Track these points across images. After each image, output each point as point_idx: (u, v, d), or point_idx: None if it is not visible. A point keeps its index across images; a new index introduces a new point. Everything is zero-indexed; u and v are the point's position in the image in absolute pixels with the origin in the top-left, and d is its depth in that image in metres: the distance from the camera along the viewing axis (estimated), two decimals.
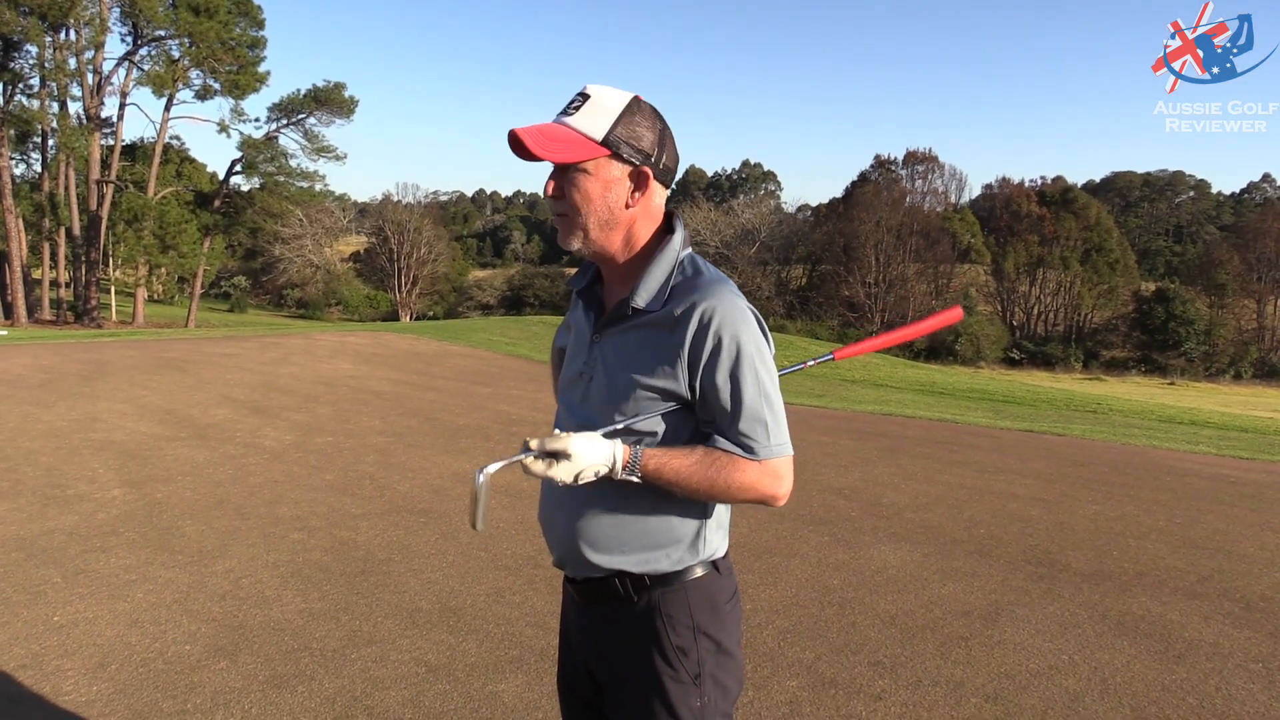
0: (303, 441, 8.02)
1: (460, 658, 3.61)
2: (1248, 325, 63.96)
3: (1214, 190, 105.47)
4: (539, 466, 1.55)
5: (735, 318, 1.58)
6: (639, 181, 1.64)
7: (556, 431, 1.58)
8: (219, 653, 3.61)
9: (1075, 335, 65.90)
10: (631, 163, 1.62)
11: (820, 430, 9.67)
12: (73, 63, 37.61)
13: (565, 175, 1.62)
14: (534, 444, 1.56)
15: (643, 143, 1.62)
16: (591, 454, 1.55)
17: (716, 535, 1.71)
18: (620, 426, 1.62)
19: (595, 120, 1.59)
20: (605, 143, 1.59)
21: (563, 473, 1.54)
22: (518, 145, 1.58)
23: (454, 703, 3.24)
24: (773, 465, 1.61)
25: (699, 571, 1.68)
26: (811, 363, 2.14)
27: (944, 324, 2.44)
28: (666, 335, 1.60)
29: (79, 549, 4.86)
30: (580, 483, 1.57)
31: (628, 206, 1.64)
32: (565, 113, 1.61)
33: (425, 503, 6.03)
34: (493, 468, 1.58)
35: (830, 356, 2.18)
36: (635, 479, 1.58)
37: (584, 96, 1.60)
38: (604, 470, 1.56)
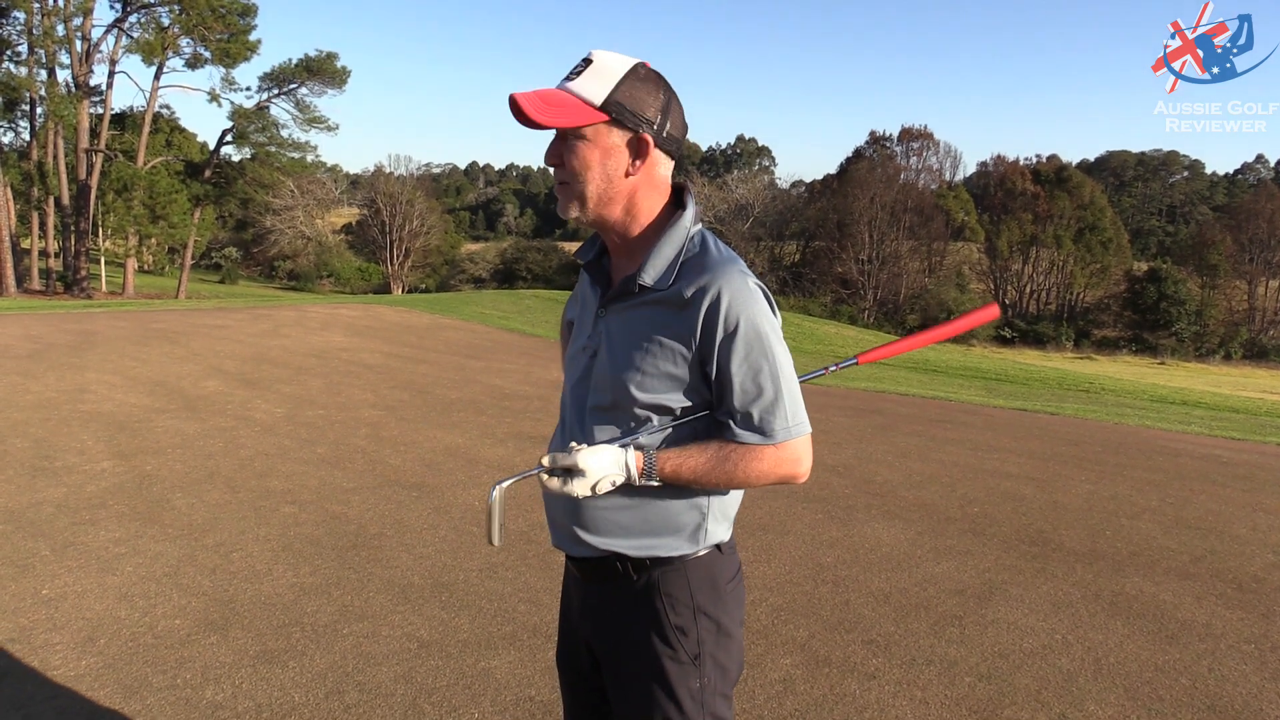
0: (294, 414, 7.98)
1: (452, 634, 3.59)
2: (1239, 306, 64.10)
3: (1208, 171, 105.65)
4: (555, 484, 1.56)
5: (745, 299, 1.54)
6: (639, 149, 1.58)
7: (574, 445, 1.57)
8: (209, 627, 3.59)
9: (1067, 314, 65.98)
10: (632, 129, 1.56)
11: (813, 407, 9.56)
12: (61, 29, 36.97)
13: (565, 142, 1.57)
14: (546, 461, 1.56)
15: (645, 110, 1.56)
16: (602, 466, 1.54)
17: (719, 526, 1.67)
18: (635, 428, 1.61)
19: (596, 85, 1.53)
20: (604, 108, 1.53)
21: (579, 488, 1.54)
22: (517, 111, 1.52)
23: (446, 679, 3.22)
24: (790, 447, 1.59)
25: (700, 552, 1.65)
26: (834, 368, 2.11)
27: (977, 323, 2.35)
28: (675, 316, 1.56)
29: (68, 521, 4.83)
30: (599, 494, 1.56)
31: (627, 175, 1.58)
32: (568, 78, 1.57)
33: (417, 477, 6.00)
34: (507, 482, 1.58)
35: (853, 361, 2.13)
36: (655, 484, 1.57)
37: (587, 61, 1.55)
38: (620, 480, 1.56)
